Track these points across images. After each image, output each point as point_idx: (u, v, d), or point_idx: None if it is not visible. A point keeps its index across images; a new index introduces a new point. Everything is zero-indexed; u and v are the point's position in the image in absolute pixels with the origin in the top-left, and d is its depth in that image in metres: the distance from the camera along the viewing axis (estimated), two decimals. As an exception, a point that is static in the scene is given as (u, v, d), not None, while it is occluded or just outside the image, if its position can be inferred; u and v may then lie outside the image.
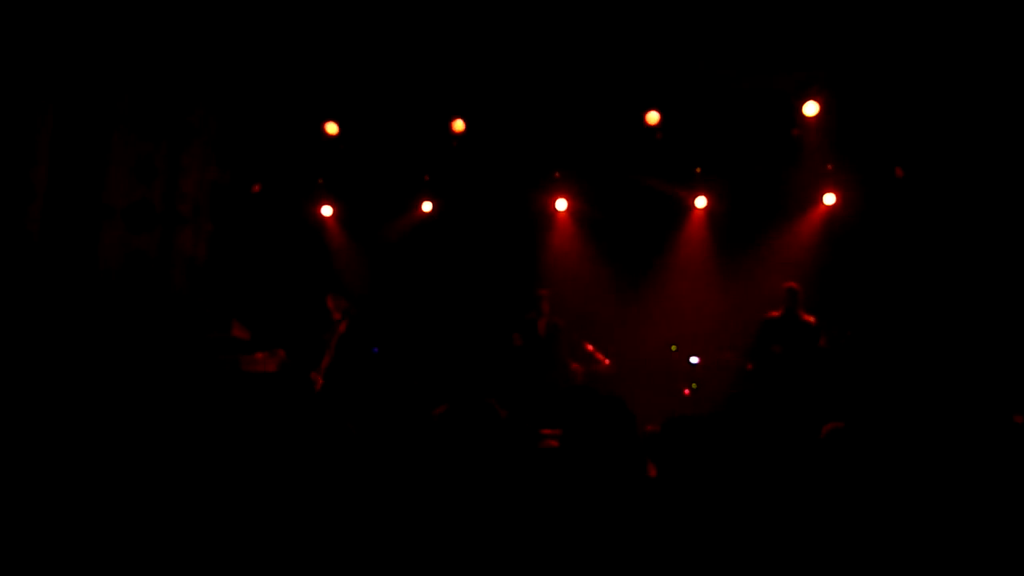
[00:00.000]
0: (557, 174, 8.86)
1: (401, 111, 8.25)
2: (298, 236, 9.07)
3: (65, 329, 6.84)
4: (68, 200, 7.42)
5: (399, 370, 8.51)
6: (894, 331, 7.79)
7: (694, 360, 8.51)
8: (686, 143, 8.36)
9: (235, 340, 7.41)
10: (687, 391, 8.55)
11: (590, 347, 8.14)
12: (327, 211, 9.23)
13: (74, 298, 7.20)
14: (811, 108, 7.83)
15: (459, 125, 8.29)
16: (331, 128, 8.31)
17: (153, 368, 7.05)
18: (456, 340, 8.83)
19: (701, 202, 8.76)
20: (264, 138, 8.39)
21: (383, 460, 3.50)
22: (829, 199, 8.43)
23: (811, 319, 7.42)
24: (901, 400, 6.88)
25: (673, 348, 8.64)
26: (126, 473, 3.27)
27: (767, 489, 3.09)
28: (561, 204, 8.94)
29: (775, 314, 7.53)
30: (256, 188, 8.60)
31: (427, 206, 9.14)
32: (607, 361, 8.00)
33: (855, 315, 7.93)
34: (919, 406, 6.69)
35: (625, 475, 3.26)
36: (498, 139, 8.48)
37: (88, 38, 7.38)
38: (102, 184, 7.70)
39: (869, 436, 3.37)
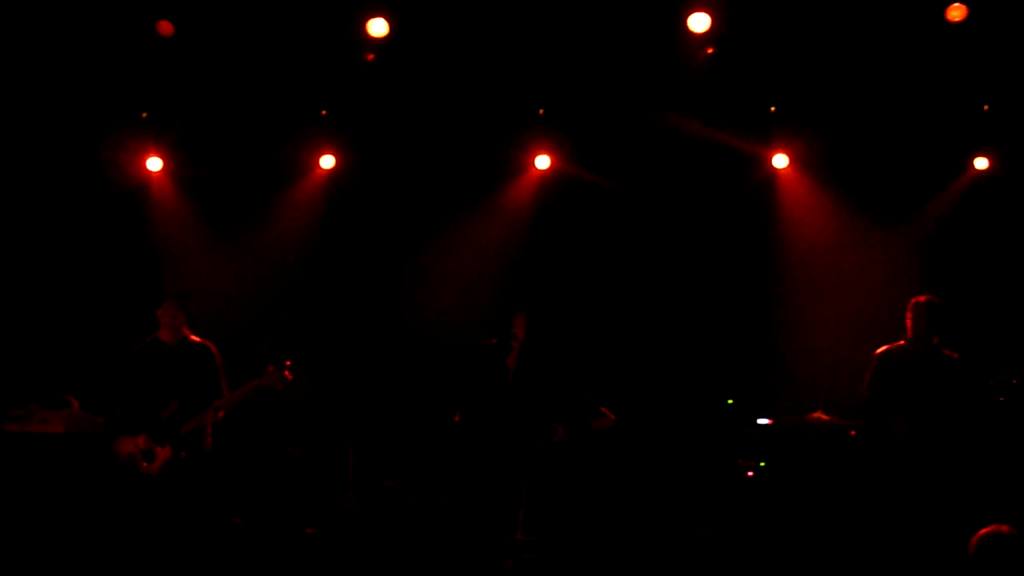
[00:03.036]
0: (541, 111, 8.64)
1: (279, 2, 7.99)
2: (102, 205, 8.81)
3: None
4: None
5: (275, 430, 8.47)
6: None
7: (763, 422, 7.95)
8: (754, 66, 8.15)
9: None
10: (751, 472, 7.91)
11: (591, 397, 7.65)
12: (155, 164, 8.90)
13: None
14: (957, 11, 7.47)
15: (378, 27, 7.98)
16: (165, 28, 8.01)
17: None
18: (374, 378, 8.79)
19: (781, 161, 8.50)
20: (43, 35, 8.00)
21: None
22: (981, 163, 8.31)
23: (953, 354, 7.09)
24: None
25: (729, 401, 8.31)
26: None
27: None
28: (543, 161, 8.77)
29: (897, 346, 7.14)
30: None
31: (327, 160, 8.94)
32: (612, 416, 7.63)
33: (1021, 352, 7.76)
34: None
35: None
36: (443, 51, 8.27)
37: None
38: None
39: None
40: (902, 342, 7.06)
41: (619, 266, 8.87)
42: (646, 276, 8.83)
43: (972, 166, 8.35)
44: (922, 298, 7.07)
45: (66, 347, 8.36)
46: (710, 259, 8.79)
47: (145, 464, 6.79)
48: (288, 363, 6.84)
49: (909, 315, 7.01)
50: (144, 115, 8.60)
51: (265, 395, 7.03)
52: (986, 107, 8.17)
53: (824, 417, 7.74)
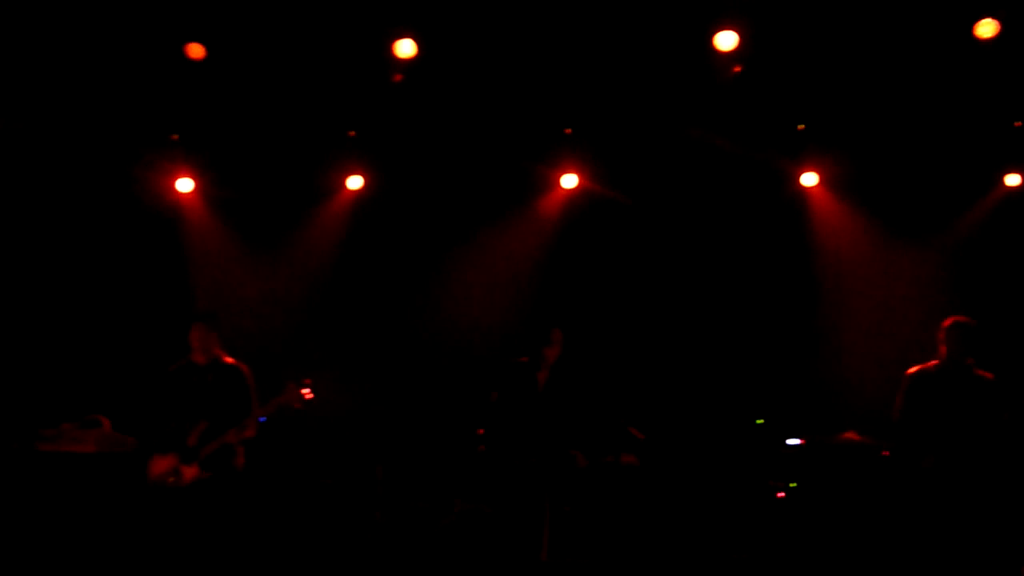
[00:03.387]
0: (568, 130, 8.67)
1: (307, 25, 7.91)
2: (134, 226, 8.91)
3: None
4: None
5: (304, 448, 8.49)
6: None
7: (793, 443, 7.90)
8: (782, 84, 8.12)
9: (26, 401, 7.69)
10: (782, 493, 7.85)
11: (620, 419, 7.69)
12: (186, 185, 8.97)
13: None
14: (987, 28, 7.39)
15: (406, 48, 7.97)
16: (195, 51, 8.01)
17: None
18: (402, 395, 8.82)
19: (810, 179, 8.57)
20: (76, 58, 7.98)
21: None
22: (1012, 180, 8.35)
23: (987, 375, 7.00)
24: None
25: (759, 421, 8.29)
26: None
27: None
28: (570, 180, 8.80)
29: (929, 367, 7.07)
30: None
31: (355, 181, 8.97)
32: (641, 435, 7.71)
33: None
34: None
35: None
36: (470, 71, 8.23)
37: None
38: None
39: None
40: (935, 362, 7.00)
41: (645, 284, 8.84)
42: (674, 294, 8.80)
43: (1003, 183, 8.36)
44: (958, 319, 7.02)
45: (98, 367, 8.39)
46: (739, 278, 8.76)
47: (172, 480, 6.83)
48: (307, 381, 6.84)
49: (942, 337, 6.95)
50: (175, 136, 8.66)
51: (291, 413, 6.96)
52: (1017, 123, 8.14)
53: (856, 437, 7.63)
